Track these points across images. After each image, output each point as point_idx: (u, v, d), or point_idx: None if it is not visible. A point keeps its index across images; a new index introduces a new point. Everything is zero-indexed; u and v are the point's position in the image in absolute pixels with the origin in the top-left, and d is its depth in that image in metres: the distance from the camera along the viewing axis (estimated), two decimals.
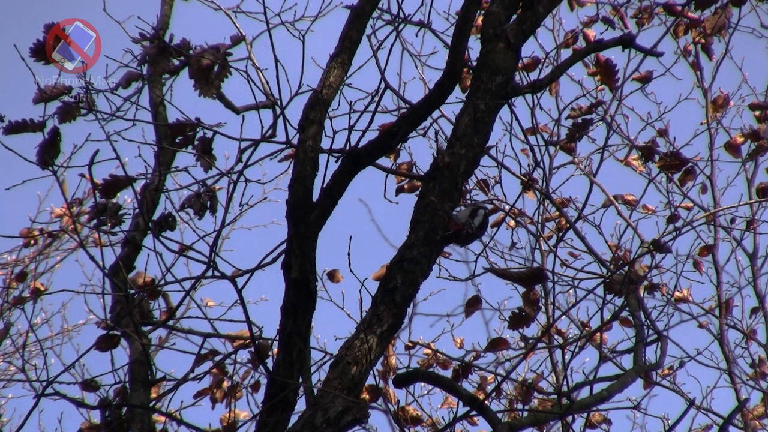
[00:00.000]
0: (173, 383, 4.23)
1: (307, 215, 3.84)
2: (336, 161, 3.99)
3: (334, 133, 4.10)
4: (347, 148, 3.98)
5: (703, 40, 5.55)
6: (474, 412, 3.74)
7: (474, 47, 4.54)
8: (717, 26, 5.41)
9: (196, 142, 4.48)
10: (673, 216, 5.62)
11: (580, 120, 5.03)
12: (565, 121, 5.14)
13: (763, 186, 5.84)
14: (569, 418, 4.00)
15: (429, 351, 5.38)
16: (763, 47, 6.09)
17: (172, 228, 4.49)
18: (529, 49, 6.98)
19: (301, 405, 3.80)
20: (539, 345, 5.51)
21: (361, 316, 3.83)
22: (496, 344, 5.00)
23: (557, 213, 5.78)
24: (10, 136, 4.15)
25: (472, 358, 5.49)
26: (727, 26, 5.47)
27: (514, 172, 5.27)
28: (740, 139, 5.67)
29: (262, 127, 4.27)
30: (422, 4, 4.77)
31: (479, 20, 4.49)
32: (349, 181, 3.95)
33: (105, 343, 4.38)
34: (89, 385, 4.42)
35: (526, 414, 4.21)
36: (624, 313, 5.16)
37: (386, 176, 4.73)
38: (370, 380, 4.11)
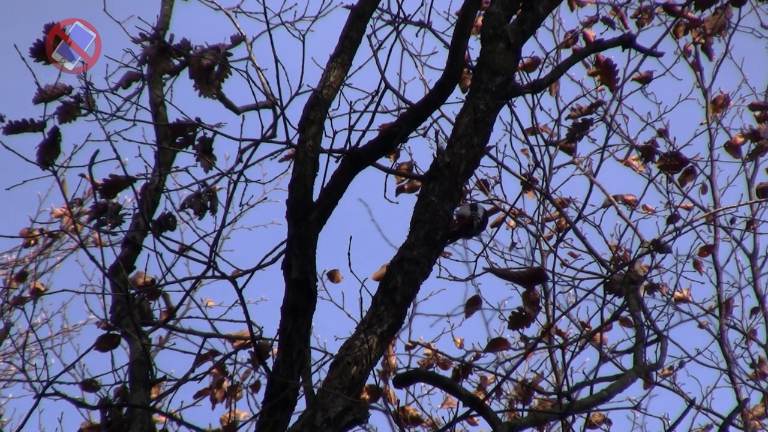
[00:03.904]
0: (173, 383, 4.23)
1: (307, 215, 3.83)
2: (336, 161, 3.99)
3: (334, 133, 4.10)
4: (347, 148, 3.97)
5: (703, 40, 5.54)
6: (474, 412, 3.73)
7: (474, 47, 4.55)
8: (717, 26, 5.40)
9: (196, 142, 4.48)
10: (673, 216, 5.62)
11: (580, 120, 5.03)
12: (565, 121, 5.15)
13: (763, 186, 5.84)
14: (569, 418, 4.00)
15: (429, 351, 5.37)
16: (763, 47, 6.09)
17: (172, 228, 4.49)
18: (529, 49, 6.96)
19: (301, 405, 3.80)
20: (539, 345, 5.51)
21: (361, 316, 3.82)
22: (496, 344, 5.00)
23: (557, 213, 5.78)
24: (10, 136, 4.15)
25: (472, 358, 5.49)
26: (727, 26, 5.47)
27: (514, 172, 5.27)
28: (740, 139, 5.67)
29: (262, 127, 4.26)
30: (422, 4, 4.77)
31: (479, 20, 4.49)
32: (349, 181, 3.95)
33: (105, 343, 4.38)
34: (89, 385, 4.42)
35: (526, 414, 4.21)
36: (624, 313, 5.17)
37: (386, 176, 4.73)
38: (370, 380, 4.10)
